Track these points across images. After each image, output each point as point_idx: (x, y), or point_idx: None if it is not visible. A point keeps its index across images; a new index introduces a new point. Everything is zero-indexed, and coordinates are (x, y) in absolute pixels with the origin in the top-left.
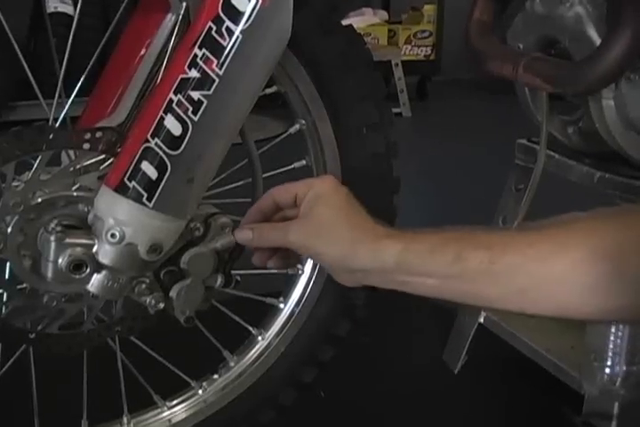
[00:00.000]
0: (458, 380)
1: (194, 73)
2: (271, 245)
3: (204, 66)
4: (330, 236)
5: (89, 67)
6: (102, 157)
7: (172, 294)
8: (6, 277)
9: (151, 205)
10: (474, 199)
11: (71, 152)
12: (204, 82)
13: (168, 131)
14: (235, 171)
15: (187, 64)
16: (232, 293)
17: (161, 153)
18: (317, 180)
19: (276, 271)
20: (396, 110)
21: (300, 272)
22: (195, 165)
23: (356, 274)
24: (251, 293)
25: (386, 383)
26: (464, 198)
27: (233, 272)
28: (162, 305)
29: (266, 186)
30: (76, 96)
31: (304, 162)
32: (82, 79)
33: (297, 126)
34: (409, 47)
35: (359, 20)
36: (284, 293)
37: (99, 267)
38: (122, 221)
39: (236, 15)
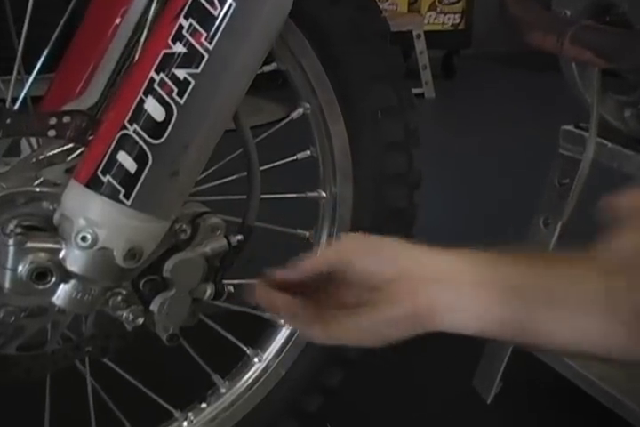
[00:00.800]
0: (490, 411)
1: (179, 47)
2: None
3: (190, 39)
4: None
5: (54, 38)
6: (70, 145)
7: (154, 307)
8: None
9: (129, 202)
10: (509, 197)
11: (33, 140)
12: (190, 58)
13: (149, 116)
14: (227, 163)
15: (170, 37)
16: (224, 306)
17: (140, 142)
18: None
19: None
20: (417, 91)
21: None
22: (180, 157)
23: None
24: (246, 306)
25: (402, 415)
26: (497, 196)
27: (225, 282)
28: (141, 321)
29: (264, 180)
30: (38, 73)
31: (308, 152)
32: (45, 53)
33: (300, 111)
34: (433, 15)
35: None
36: None
37: (66, 276)
38: (94, 222)
39: None
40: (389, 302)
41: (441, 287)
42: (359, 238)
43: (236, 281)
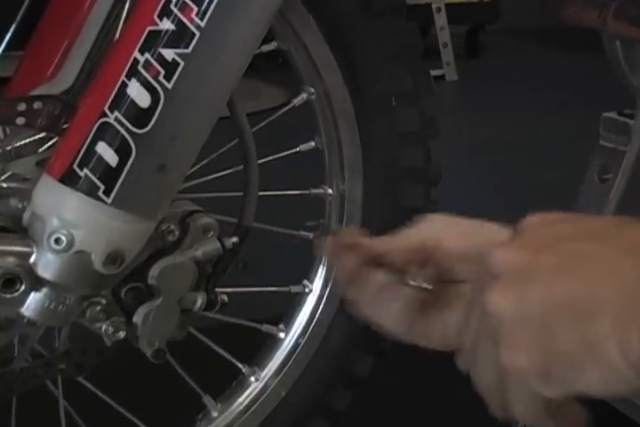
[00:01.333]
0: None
1: (166, 24)
2: None
3: (179, 15)
4: None
5: (22, 10)
6: (42, 135)
7: (137, 319)
8: None
9: (109, 200)
10: (541, 195)
11: None
12: (179, 36)
13: (132, 102)
14: (221, 155)
15: (156, 12)
16: (217, 318)
17: (123, 131)
18: None
19: (274, 289)
20: (436, 72)
21: (306, 290)
22: (168, 148)
23: None
24: (241, 318)
25: None
26: (528, 195)
27: (218, 290)
28: (122, 334)
29: (262, 175)
30: (4, 51)
31: (312, 144)
32: (12, 28)
33: (303, 96)
34: None
35: None
36: (286, 318)
37: (37, 283)
38: (69, 222)
39: None
40: None
41: None
42: (448, 218)
43: (230, 289)
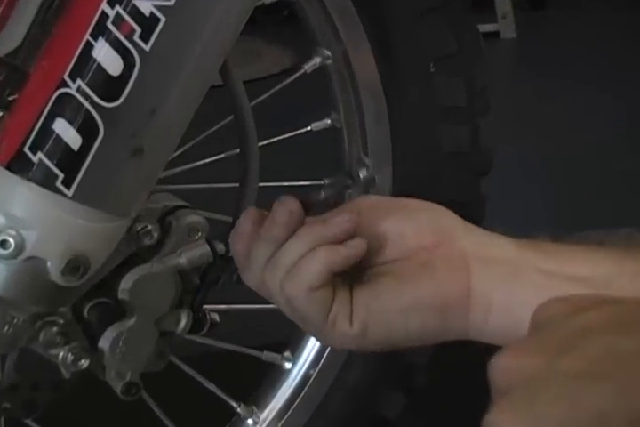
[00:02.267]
0: None
1: None
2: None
3: None
4: None
5: None
6: None
7: (104, 344)
8: None
9: (70, 192)
10: (615, 186)
11: None
12: None
13: (99, 67)
14: (212, 135)
15: None
16: (205, 343)
17: (87, 105)
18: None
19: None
20: (489, 28)
21: None
22: (145, 127)
23: None
24: (236, 343)
25: None
26: (599, 184)
27: (207, 308)
28: (85, 363)
29: (264, 161)
30: None
31: (328, 121)
32: None
33: (316, 61)
34: None
35: None
36: (293, 344)
37: None
38: (19, 221)
39: None
40: (427, 277)
41: (504, 273)
42: (380, 197)
43: (222, 307)
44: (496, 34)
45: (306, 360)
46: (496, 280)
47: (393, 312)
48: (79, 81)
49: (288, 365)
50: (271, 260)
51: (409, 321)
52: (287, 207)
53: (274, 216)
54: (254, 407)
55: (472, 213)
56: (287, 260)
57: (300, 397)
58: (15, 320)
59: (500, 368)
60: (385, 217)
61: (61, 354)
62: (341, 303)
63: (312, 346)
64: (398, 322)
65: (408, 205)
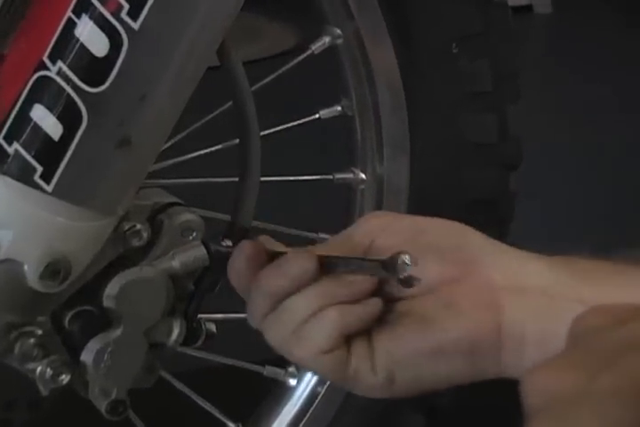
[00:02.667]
0: None
1: None
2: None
3: None
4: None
5: None
6: None
7: (86, 357)
8: None
9: (50, 187)
10: None
11: None
12: None
13: (83, 48)
14: (208, 124)
15: None
16: (200, 357)
17: (69, 90)
18: None
19: None
20: (520, 2)
21: None
22: (133, 114)
23: None
24: (235, 357)
25: None
26: None
27: (202, 317)
28: (65, 379)
29: (266, 153)
30: None
31: (338, 108)
32: None
33: (325, 40)
34: None
35: None
36: None
37: None
38: None
39: None
40: (452, 318)
41: (538, 304)
42: (394, 216)
43: (219, 316)
44: (528, 8)
45: (312, 376)
46: (529, 312)
47: (418, 358)
48: (60, 63)
49: (293, 381)
50: (273, 315)
51: (437, 366)
52: (303, 265)
53: (284, 269)
54: None
55: (499, 213)
56: (293, 319)
57: (305, 418)
58: None
59: (536, 385)
60: (401, 246)
61: (39, 369)
62: (360, 356)
63: None
64: (425, 367)
65: (425, 231)
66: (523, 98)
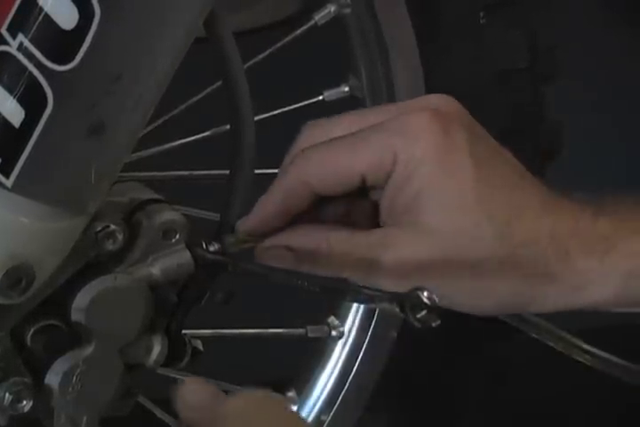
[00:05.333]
0: None
1: None
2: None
3: None
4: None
5: None
6: None
7: (52, 380)
8: None
9: (10, 182)
10: None
11: None
12: None
13: (48, 19)
14: (193, 106)
15: None
16: (185, 379)
17: (31, 68)
18: (411, 122)
19: (281, 332)
20: None
21: (332, 333)
22: (107, 97)
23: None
24: (228, 380)
25: None
26: None
27: (187, 333)
28: (27, 405)
29: (261, 141)
30: None
31: (345, 89)
32: None
33: (330, 9)
34: None
35: None
36: (299, 381)
37: None
38: None
39: None
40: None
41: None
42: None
43: (207, 332)
44: None
45: (316, 403)
46: None
47: None
48: (21, 37)
49: (293, 408)
50: None
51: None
52: None
53: None
54: None
55: None
56: None
57: None
58: None
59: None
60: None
61: None
62: None
63: (324, 384)
64: None
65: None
66: (563, 75)
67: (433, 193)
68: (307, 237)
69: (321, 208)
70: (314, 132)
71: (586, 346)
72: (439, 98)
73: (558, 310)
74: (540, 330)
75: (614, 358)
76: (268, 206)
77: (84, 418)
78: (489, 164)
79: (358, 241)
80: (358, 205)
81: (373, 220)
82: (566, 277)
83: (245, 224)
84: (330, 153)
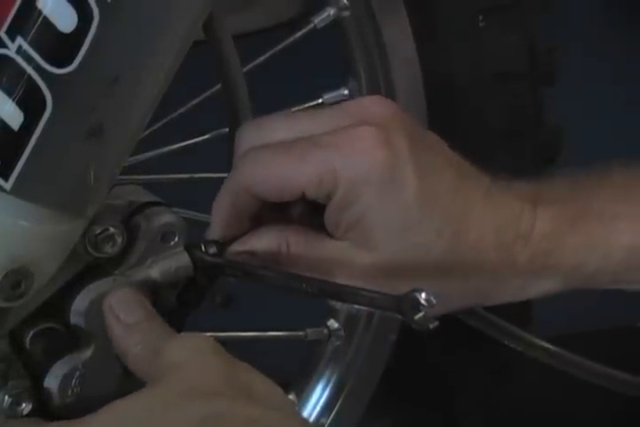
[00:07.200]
0: None
1: None
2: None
3: None
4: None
5: None
6: None
7: (51, 382)
8: None
9: (8, 185)
10: None
11: None
12: None
13: (47, 22)
14: (192, 109)
15: None
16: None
17: (30, 71)
18: (346, 146)
19: (279, 335)
20: None
21: (333, 336)
22: (105, 100)
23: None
24: None
25: None
26: None
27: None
28: (27, 408)
29: None
30: None
31: (344, 91)
32: None
33: (329, 12)
34: None
35: None
36: (298, 385)
37: None
38: None
39: None
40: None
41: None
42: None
43: (207, 334)
44: None
45: (315, 406)
46: None
47: None
48: (19, 40)
49: None
50: None
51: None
52: None
53: None
54: None
55: None
56: None
57: None
58: None
59: None
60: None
61: None
62: None
63: (323, 387)
64: None
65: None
66: (563, 78)
67: (377, 215)
68: (268, 240)
69: (283, 207)
70: (256, 134)
71: (540, 343)
72: (376, 103)
73: (509, 302)
74: (494, 327)
75: (567, 354)
76: (220, 212)
77: None
78: (431, 171)
79: (313, 249)
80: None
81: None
82: (514, 277)
83: (211, 232)
84: (271, 164)
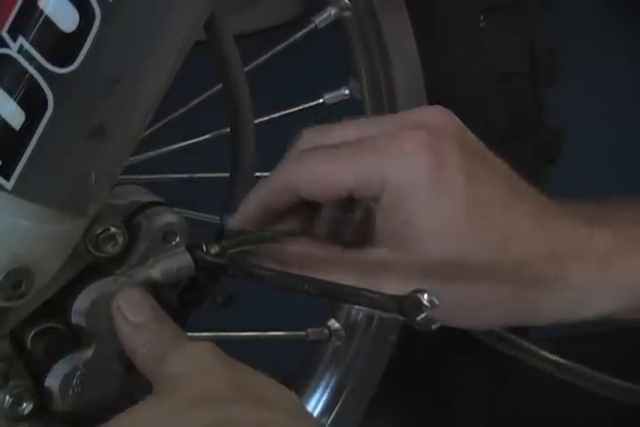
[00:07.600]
0: None
1: None
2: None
3: None
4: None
5: None
6: None
7: (52, 382)
8: None
9: (10, 185)
10: None
11: None
12: None
13: (48, 22)
14: (193, 109)
15: None
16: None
17: (32, 70)
18: (399, 147)
19: (280, 335)
20: None
21: (334, 336)
22: (107, 100)
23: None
24: None
25: None
26: None
27: (188, 335)
28: (27, 408)
29: (261, 143)
30: None
31: (345, 91)
32: None
33: (330, 12)
34: None
35: None
36: (298, 386)
37: None
38: None
39: None
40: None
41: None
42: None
43: (207, 335)
44: None
45: (316, 407)
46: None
47: None
48: (21, 39)
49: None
50: None
51: None
52: None
53: None
54: None
55: None
56: None
57: None
58: None
59: None
60: None
61: None
62: None
63: (323, 388)
64: None
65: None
66: (564, 78)
67: (423, 221)
68: (305, 243)
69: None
70: (312, 138)
71: (560, 360)
72: (433, 111)
73: (556, 323)
74: (514, 347)
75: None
76: (250, 205)
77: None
78: (481, 179)
79: (351, 255)
80: (344, 215)
81: (358, 232)
82: (565, 294)
83: (234, 223)
84: (320, 162)
